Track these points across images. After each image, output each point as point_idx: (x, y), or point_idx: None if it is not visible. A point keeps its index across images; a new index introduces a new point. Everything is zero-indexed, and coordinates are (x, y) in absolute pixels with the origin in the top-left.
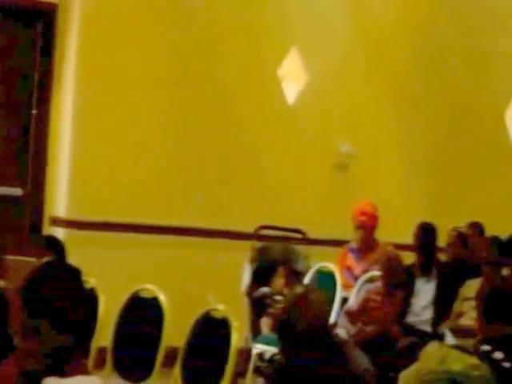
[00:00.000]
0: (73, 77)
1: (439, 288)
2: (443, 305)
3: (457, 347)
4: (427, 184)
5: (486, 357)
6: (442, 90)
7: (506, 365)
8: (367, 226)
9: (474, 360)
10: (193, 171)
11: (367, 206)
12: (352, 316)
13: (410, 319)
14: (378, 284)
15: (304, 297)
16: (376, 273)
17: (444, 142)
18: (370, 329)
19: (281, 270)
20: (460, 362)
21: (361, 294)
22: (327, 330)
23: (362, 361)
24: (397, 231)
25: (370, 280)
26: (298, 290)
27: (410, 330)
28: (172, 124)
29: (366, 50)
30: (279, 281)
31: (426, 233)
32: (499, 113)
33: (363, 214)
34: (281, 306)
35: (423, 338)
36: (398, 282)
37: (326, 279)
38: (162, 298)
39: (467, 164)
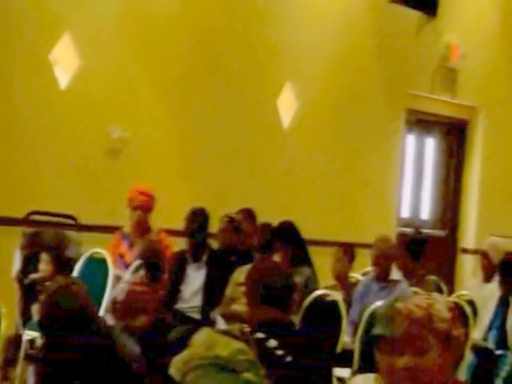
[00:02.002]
0: None
1: (209, 274)
2: (213, 291)
3: (225, 333)
4: (202, 170)
5: (259, 344)
6: (217, 78)
7: (279, 352)
8: (146, 206)
9: (241, 345)
10: None
11: (145, 188)
12: (117, 311)
13: (180, 306)
14: (141, 273)
15: (64, 290)
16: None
17: (220, 129)
18: (141, 320)
19: (45, 257)
20: (227, 348)
21: (123, 286)
22: (93, 321)
23: (131, 348)
24: (171, 217)
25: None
26: (58, 282)
27: (180, 316)
28: None
29: (139, 33)
30: (45, 267)
31: (197, 218)
32: (272, 101)
33: (142, 193)
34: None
35: (194, 325)
36: (158, 267)
37: (98, 266)
38: None
39: (242, 151)
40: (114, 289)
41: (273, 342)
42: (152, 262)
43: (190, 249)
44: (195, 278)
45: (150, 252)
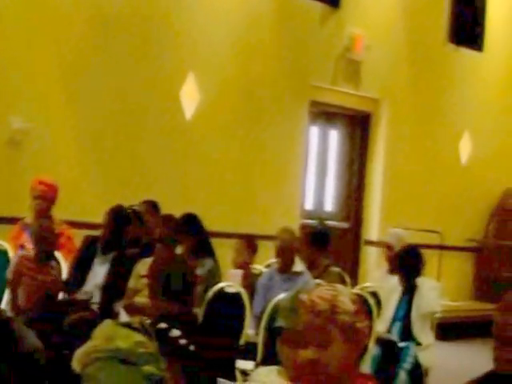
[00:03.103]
0: None
1: (112, 267)
2: (116, 284)
3: (126, 325)
4: (105, 161)
5: (162, 334)
6: (118, 67)
7: (183, 341)
8: (46, 196)
9: (141, 337)
10: None
11: (46, 177)
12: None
13: (83, 298)
14: (31, 253)
15: None
16: None
17: (122, 120)
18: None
19: None
20: (127, 340)
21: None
22: None
23: (30, 339)
24: (74, 209)
25: None
26: None
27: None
28: None
29: (36, 20)
30: None
31: (116, 215)
32: (175, 92)
33: (42, 183)
34: None
35: (95, 318)
36: (50, 251)
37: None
38: None
39: (145, 142)
40: None
41: (176, 332)
42: (42, 243)
43: (101, 242)
44: (99, 272)
45: (39, 234)
